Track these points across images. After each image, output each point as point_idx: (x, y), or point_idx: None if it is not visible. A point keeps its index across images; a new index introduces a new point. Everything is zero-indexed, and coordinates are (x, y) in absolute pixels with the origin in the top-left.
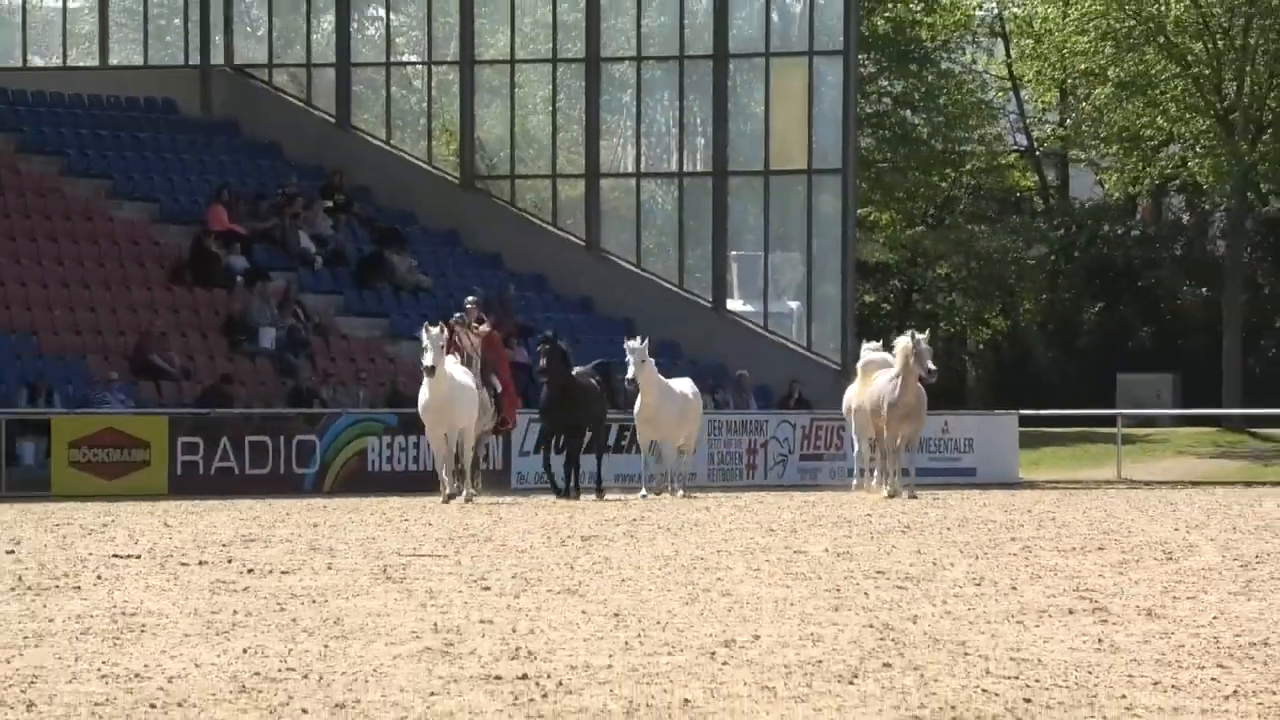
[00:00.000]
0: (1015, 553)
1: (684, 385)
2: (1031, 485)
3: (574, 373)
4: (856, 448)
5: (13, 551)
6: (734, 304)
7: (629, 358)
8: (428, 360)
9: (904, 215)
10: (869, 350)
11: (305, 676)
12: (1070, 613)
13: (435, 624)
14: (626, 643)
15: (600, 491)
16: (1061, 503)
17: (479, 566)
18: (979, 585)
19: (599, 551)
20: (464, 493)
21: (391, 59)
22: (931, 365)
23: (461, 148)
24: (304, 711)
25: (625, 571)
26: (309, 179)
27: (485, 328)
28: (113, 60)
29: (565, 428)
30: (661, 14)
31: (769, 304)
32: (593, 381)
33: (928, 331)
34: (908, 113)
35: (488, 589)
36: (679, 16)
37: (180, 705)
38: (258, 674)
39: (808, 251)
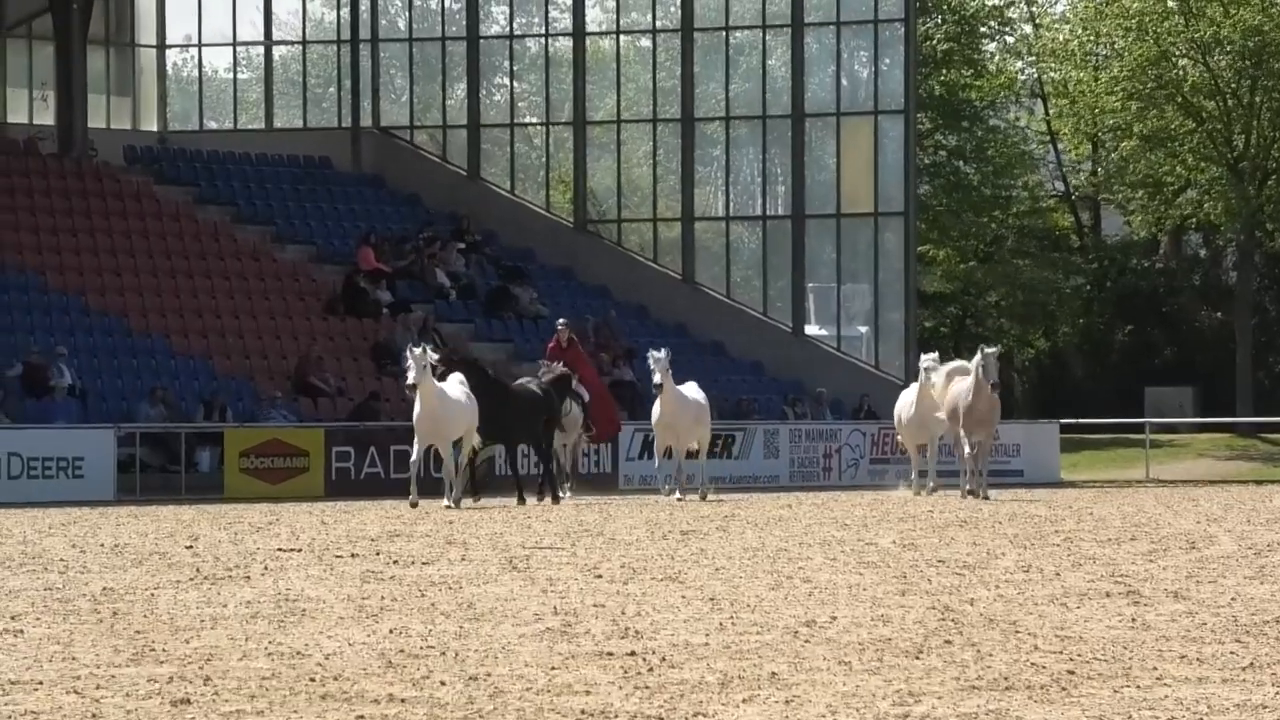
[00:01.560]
0: (1058, 544)
1: (695, 392)
2: (1071, 485)
3: (517, 383)
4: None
5: (191, 546)
6: (811, 329)
7: (653, 366)
8: (410, 379)
9: (958, 251)
10: (928, 360)
11: (443, 653)
12: (1107, 595)
13: (555, 607)
14: (721, 623)
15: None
16: (1098, 500)
17: (592, 557)
18: (1027, 572)
19: (696, 544)
20: (455, 498)
21: (515, 120)
22: (995, 379)
23: (575, 195)
24: (442, 683)
25: (719, 561)
26: (444, 224)
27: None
28: (277, 123)
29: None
30: (746, 80)
31: (841, 328)
32: (534, 390)
33: (997, 347)
34: (960, 163)
35: (600, 577)
36: (761, 82)
37: (335, 679)
38: (402, 651)
39: (874, 283)
